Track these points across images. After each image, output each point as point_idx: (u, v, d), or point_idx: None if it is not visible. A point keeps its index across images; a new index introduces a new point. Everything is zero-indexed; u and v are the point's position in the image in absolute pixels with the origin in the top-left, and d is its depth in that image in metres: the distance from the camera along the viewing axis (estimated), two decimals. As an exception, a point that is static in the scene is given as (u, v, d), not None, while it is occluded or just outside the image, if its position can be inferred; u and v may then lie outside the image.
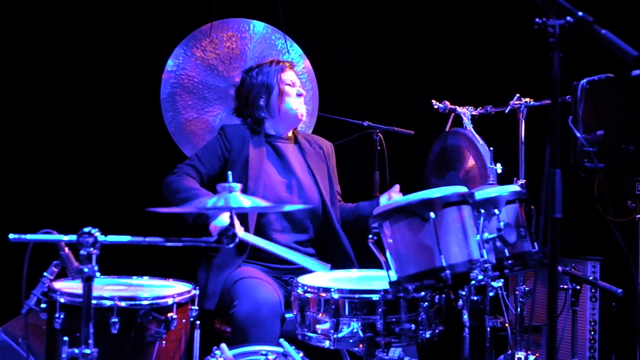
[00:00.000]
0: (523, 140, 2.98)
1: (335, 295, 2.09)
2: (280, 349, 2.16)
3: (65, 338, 1.86)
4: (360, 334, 2.05)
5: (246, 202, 1.86)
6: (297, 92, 2.85)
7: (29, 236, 1.78)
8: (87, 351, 1.75)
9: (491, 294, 2.11)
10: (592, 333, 3.14)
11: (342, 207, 2.95)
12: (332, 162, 2.96)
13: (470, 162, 2.94)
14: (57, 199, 3.16)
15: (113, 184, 3.28)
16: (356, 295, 2.08)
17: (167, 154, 3.13)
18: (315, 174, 2.83)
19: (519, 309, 2.83)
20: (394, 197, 2.73)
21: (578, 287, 2.77)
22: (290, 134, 2.91)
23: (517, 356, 2.79)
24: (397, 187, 2.77)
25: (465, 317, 2.06)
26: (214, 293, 2.59)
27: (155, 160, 3.27)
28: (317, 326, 2.12)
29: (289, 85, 2.84)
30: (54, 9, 3.11)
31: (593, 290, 3.15)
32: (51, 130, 3.16)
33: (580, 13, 1.68)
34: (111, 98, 3.26)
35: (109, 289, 2.10)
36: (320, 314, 2.11)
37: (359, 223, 2.85)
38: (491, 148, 2.87)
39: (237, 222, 2.54)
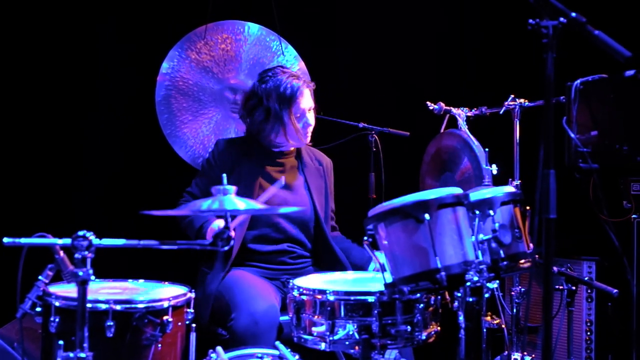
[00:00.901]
0: (518, 141, 2.98)
1: (331, 297, 2.09)
2: (276, 352, 2.16)
3: (61, 342, 1.86)
4: (356, 336, 2.05)
5: (241, 204, 1.86)
6: (304, 123, 2.74)
7: (23, 240, 1.78)
8: (83, 355, 1.74)
9: (487, 295, 2.11)
10: (588, 333, 3.14)
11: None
12: (330, 179, 2.92)
13: (466, 163, 2.95)
14: (52, 202, 3.15)
15: (109, 187, 3.28)
16: (352, 297, 2.08)
17: (163, 156, 3.13)
18: (311, 190, 2.80)
19: (514, 310, 2.83)
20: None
21: (574, 288, 2.77)
22: (292, 147, 2.85)
23: (513, 357, 2.80)
24: None
25: (461, 318, 2.06)
26: (205, 307, 2.59)
27: (152, 163, 3.27)
28: (313, 328, 2.12)
29: (301, 115, 2.72)
30: (54, 8, 3.11)
31: (589, 291, 3.15)
32: (46, 131, 3.15)
33: (573, 14, 1.69)
34: (110, 99, 3.26)
35: (104, 292, 2.10)
36: (316, 316, 2.11)
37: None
38: (486, 149, 2.87)
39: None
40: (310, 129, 2.79)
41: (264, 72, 2.77)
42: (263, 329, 2.40)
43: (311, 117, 2.76)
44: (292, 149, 2.85)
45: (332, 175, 2.94)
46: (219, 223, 2.54)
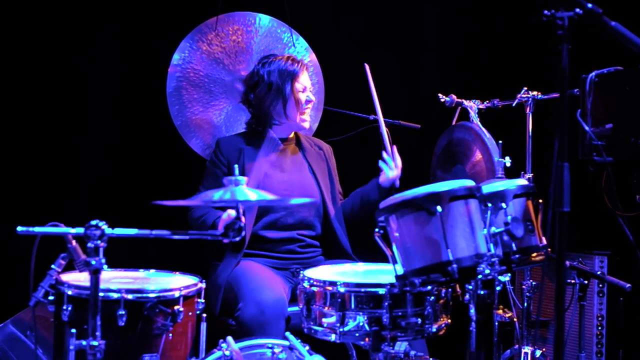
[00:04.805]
0: (530, 133, 2.96)
1: (342, 289, 2.09)
2: (286, 342, 2.17)
3: (73, 330, 1.87)
4: (367, 327, 2.05)
5: (252, 195, 1.86)
6: (306, 98, 2.84)
7: (36, 229, 1.79)
8: (95, 343, 1.76)
9: (498, 288, 2.10)
10: (600, 328, 3.13)
11: (346, 201, 2.95)
12: (332, 163, 2.99)
13: (477, 155, 2.93)
14: (65, 191, 3.17)
15: (121, 177, 3.29)
16: (362, 289, 2.08)
17: (174, 147, 3.13)
18: (315, 172, 2.87)
19: (525, 304, 2.82)
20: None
21: (585, 282, 2.76)
22: (292, 135, 2.94)
23: (524, 351, 2.79)
24: (394, 147, 2.78)
25: (472, 311, 2.06)
26: (216, 297, 2.61)
27: (163, 154, 3.29)
28: (323, 320, 2.12)
29: (301, 92, 2.84)
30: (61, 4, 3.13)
31: (600, 285, 3.13)
32: (59, 123, 3.17)
33: (589, 5, 1.67)
34: (122, 90, 3.27)
35: (116, 281, 2.11)
36: (327, 308, 2.11)
37: (368, 203, 2.84)
38: (500, 142, 2.85)
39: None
40: (311, 105, 2.88)
41: (264, 58, 2.91)
42: (269, 319, 2.40)
43: (312, 94, 2.88)
44: (292, 135, 2.92)
45: (334, 158, 3.02)
46: (230, 212, 2.55)
